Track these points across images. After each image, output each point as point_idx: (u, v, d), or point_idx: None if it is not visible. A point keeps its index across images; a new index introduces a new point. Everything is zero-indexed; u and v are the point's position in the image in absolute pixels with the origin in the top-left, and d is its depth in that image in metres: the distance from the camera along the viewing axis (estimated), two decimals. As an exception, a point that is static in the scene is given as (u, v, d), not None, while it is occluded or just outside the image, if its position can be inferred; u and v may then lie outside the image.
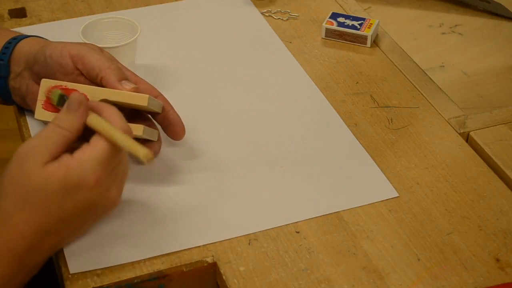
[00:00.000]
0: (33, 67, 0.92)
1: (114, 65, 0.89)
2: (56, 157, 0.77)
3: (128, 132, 0.79)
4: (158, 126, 0.92)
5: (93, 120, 0.80)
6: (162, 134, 0.92)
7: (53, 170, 0.75)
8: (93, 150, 0.77)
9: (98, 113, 0.80)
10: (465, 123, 0.99)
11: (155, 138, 0.89)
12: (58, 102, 0.85)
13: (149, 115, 0.92)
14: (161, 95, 0.91)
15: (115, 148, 0.77)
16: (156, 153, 0.90)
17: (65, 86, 0.88)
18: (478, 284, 0.79)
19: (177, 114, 0.91)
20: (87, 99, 0.82)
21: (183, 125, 0.91)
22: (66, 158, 0.76)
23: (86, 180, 0.76)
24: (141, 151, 0.76)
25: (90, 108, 0.80)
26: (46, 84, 0.89)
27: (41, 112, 0.89)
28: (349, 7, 1.20)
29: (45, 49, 0.91)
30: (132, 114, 0.90)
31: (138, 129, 0.85)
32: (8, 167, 0.77)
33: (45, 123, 0.94)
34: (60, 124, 0.78)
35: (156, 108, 0.88)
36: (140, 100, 0.86)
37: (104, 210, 0.81)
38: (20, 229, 0.75)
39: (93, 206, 0.78)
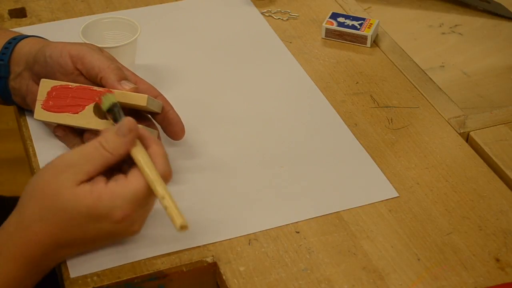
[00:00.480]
0: (33, 67, 0.92)
1: (113, 65, 0.89)
2: (92, 177, 0.76)
3: (168, 176, 0.77)
4: (158, 126, 0.92)
5: (138, 155, 0.77)
6: (162, 134, 0.92)
7: (85, 193, 0.75)
8: (129, 186, 0.75)
9: (145, 145, 0.78)
10: (465, 123, 0.98)
11: None
12: (109, 109, 0.83)
13: (149, 115, 0.92)
14: (161, 95, 0.91)
15: (150, 191, 0.76)
16: None
17: (65, 86, 0.89)
18: (478, 284, 0.79)
19: (177, 114, 0.91)
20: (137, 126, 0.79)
21: (183, 125, 0.91)
22: (100, 185, 0.75)
23: (113, 214, 0.75)
24: (178, 220, 0.75)
25: (138, 137, 0.78)
26: (45, 84, 0.89)
27: (40, 112, 0.89)
28: (349, 7, 1.20)
29: (45, 49, 0.91)
30: (132, 114, 0.90)
31: None
32: (43, 172, 0.77)
33: (45, 123, 0.95)
34: (104, 145, 0.76)
35: (155, 108, 0.88)
36: (139, 100, 0.86)
37: (122, 238, 0.81)
38: (38, 237, 0.75)
39: (113, 236, 0.79)
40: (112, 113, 0.82)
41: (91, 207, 0.75)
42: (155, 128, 0.91)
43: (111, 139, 0.77)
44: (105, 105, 0.83)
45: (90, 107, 0.87)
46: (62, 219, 0.75)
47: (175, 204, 0.75)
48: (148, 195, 0.77)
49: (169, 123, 0.90)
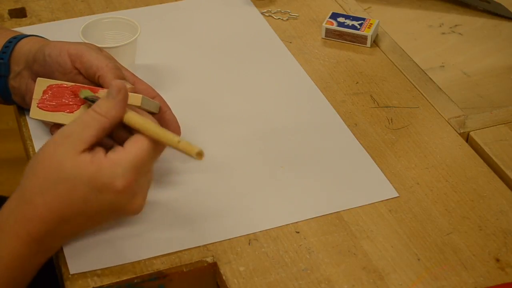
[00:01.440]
0: (32, 66, 0.92)
1: (112, 64, 0.89)
2: (91, 144, 0.76)
3: None
4: None
5: (134, 117, 0.79)
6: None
7: (86, 163, 0.75)
8: (127, 154, 0.76)
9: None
10: (465, 123, 0.99)
11: None
12: (86, 97, 0.85)
13: None
14: (159, 95, 0.91)
15: (148, 155, 0.77)
16: None
17: (62, 85, 0.88)
18: (478, 284, 0.79)
19: (174, 115, 0.91)
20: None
21: (179, 126, 0.91)
22: (99, 155, 0.76)
23: (115, 183, 0.75)
24: (194, 148, 0.76)
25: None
26: (41, 83, 0.89)
27: (36, 111, 0.89)
28: (349, 7, 1.20)
29: (44, 48, 0.91)
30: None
31: None
32: (43, 147, 0.77)
33: (44, 122, 0.95)
34: (97, 110, 0.78)
35: (152, 108, 0.88)
36: (134, 100, 0.85)
37: (125, 214, 0.80)
38: (40, 212, 0.75)
39: (116, 209, 0.78)
40: (90, 98, 0.85)
41: (92, 177, 0.75)
42: None
43: (102, 102, 0.78)
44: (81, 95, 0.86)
45: (85, 107, 0.87)
46: (64, 190, 0.75)
47: (187, 141, 0.77)
48: (147, 161, 0.77)
49: (165, 123, 0.90)
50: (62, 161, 0.75)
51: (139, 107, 0.86)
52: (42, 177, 0.76)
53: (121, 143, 0.79)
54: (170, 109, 0.91)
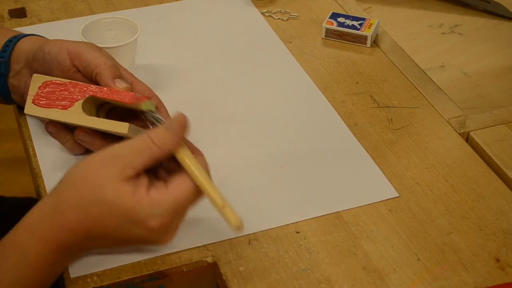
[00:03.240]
0: (32, 65, 0.92)
1: (110, 62, 0.89)
2: (138, 172, 0.75)
3: None
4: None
5: (187, 160, 0.77)
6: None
7: (127, 194, 0.74)
8: (169, 196, 0.74)
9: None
10: (465, 123, 0.99)
11: None
12: (148, 111, 0.84)
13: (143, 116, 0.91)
14: (156, 96, 0.91)
15: (189, 200, 0.76)
16: None
17: (57, 81, 0.88)
18: (478, 284, 0.79)
19: (170, 115, 0.90)
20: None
21: None
22: (142, 190, 0.74)
23: (150, 221, 0.74)
24: (234, 218, 0.75)
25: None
26: (37, 79, 0.89)
27: (30, 107, 0.88)
28: (349, 7, 1.20)
29: (44, 46, 0.91)
30: (127, 113, 0.90)
31: (124, 127, 0.85)
32: (89, 161, 0.76)
33: (41, 119, 0.94)
34: (153, 138, 0.75)
35: (148, 108, 0.88)
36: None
37: (152, 245, 0.80)
38: (71, 224, 0.74)
39: (145, 241, 0.77)
40: (150, 115, 0.84)
41: (129, 210, 0.74)
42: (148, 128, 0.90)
43: (161, 133, 0.76)
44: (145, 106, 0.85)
45: (79, 104, 0.86)
46: (99, 212, 0.74)
47: (229, 204, 0.76)
48: (188, 204, 0.76)
49: None
50: (104, 183, 0.74)
51: (133, 106, 0.86)
52: (81, 193, 0.74)
53: (167, 170, 0.78)
54: (166, 110, 0.91)
